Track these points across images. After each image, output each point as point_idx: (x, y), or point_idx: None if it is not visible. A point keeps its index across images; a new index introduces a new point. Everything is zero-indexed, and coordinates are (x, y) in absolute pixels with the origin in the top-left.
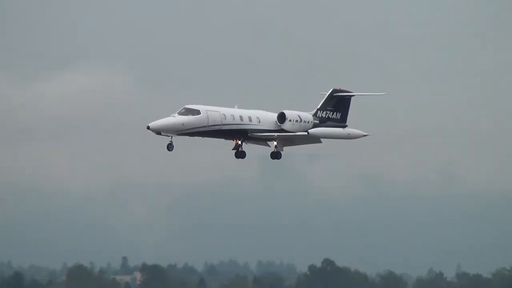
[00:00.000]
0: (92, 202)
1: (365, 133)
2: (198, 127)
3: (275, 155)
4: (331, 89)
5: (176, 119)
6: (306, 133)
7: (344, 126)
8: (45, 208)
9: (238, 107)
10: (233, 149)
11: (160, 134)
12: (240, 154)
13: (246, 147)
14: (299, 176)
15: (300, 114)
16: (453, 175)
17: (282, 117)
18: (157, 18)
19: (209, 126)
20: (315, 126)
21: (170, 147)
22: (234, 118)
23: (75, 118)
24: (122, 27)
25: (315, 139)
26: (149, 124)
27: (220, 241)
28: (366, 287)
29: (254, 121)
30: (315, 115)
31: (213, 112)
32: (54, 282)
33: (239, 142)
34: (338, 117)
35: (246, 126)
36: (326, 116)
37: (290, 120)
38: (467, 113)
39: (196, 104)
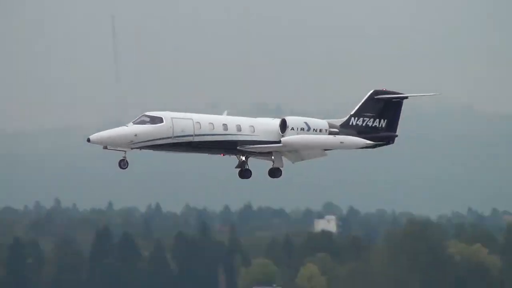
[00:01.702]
0: None
1: (368, 142)
2: (159, 139)
3: (273, 173)
4: (372, 91)
5: (126, 129)
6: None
7: (393, 137)
8: None
9: (228, 114)
10: (236, 167)
11: (107, 148)
12: (244, 174)
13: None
14: None
15: (309, 121)
16: None
17: (283, 125)
18: None
19: (175, 137)
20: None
21: (122, 164)
22: (213, 128)
23: None
24: None
25: (313, 150)
26: (89, 137)
27: None
28: None
29: (246, 130)
30: (346, 123)
31: (182, 120)
32: None
33: (243, 158)
34: (383, 126)
35: (232, 137)
36: (364, 124)
37: (292, 129)
38: None
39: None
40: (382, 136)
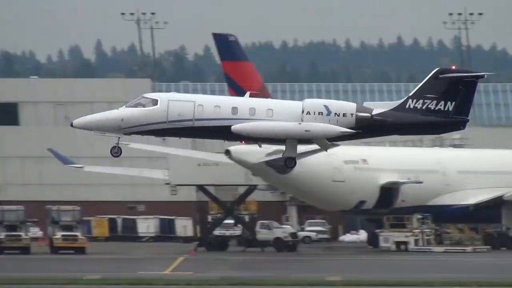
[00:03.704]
0: None
1: (345, 130)
2: (150, 124)
3: (284, 163)
4: (436, 69)
5: (112, 113)
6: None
7: (464, 122)
8: None
9: (250, 96)
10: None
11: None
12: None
13: None
14: None
15: (331, 104)
16: None
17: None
18: None
19: (170, 122)
20: (368, 121)
21: (114, 152)
22: (220, 111)
23: None
24: None
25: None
26: (72, 121)
27: None
28: None
29: (261, 114)
30: (402, 106)
31: (180, 102)
32: None
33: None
34: (449, 109)
35: (242, 122)
36: (424, 107)
37: (308, 113)
38: None
39: None
40: (444, 121)
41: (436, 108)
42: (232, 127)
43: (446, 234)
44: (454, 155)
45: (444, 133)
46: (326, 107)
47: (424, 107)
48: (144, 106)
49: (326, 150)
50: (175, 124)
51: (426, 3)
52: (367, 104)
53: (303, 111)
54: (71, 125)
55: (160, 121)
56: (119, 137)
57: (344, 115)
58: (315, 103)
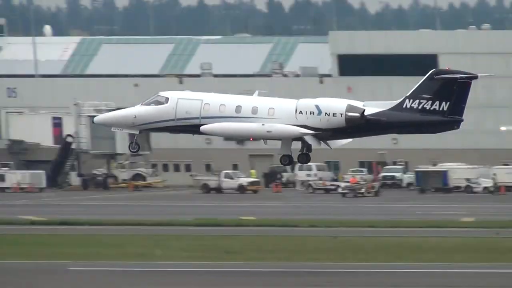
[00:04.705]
0: None
1: (304, 131)
2: (161, 121)
3: (280, 160)
4: (432, 70)
5: (127, 110)
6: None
7: (458, 122)
8: None
9: (259, 94)
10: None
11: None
12: (300, 159)
13: None
14: None
15: (322, 104)
16: None
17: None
18: None
19: (178, 119)
20: (358, 121)
21: (131, 147)
22: (225, 109)
23: None
24: None
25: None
26: (94, 118)
27: None
28: None
29: (262, 113)
30: (399, 106)
31: (189, 101)
32: None
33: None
34: (444, 109)
35: (245, 120)
36: (420, 107)
37: (300, 112)
38: None
39: None
40: (439, 121)
41: (432, 108)
42: (201, 127)
43: None
44: None
45: (439, 133)
46: (317, 106)
47: (420, 107)
48: (157, 103)
49: (330, 148)
50: (183, 121)
51: None
52: (367, 103)
53: (296, 111)
54: (93, 121)
55: (169, 119)
56: (135, 134)
57: (334, 114)
58: (308, 103)
